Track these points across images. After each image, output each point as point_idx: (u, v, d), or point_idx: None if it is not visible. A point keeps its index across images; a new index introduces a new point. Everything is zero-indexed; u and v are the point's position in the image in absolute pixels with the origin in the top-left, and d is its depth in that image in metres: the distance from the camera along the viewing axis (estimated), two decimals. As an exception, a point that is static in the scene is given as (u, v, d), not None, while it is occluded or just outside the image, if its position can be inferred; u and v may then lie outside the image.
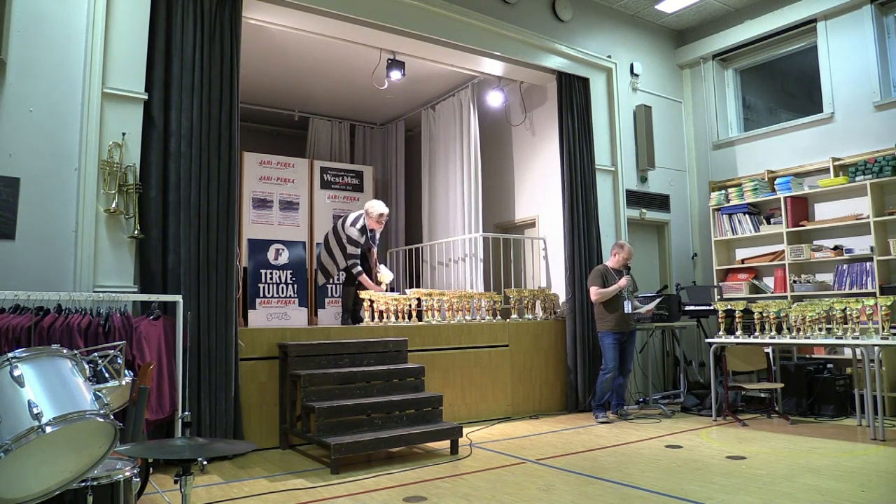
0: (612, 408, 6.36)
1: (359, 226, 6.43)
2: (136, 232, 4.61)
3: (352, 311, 6.42)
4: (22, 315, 3.93)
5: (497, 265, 7.55)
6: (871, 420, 5.20)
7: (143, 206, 4.68)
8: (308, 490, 3.95)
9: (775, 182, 7.25)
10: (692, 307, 7.14)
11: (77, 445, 2.17)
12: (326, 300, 7.57)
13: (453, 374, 6.20)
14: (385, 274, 6.67)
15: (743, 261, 7.64)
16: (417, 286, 8.31)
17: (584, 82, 7.46)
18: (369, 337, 5.68)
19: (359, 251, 6.46)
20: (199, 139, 4.89)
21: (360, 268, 6.42)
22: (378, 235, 6.78)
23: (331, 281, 7.00)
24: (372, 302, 6.17)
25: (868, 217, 6.41)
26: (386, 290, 6.61)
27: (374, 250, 6.76)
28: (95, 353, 2.98)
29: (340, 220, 6.68)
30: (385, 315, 6.19)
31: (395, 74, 6.73)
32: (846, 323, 5.35)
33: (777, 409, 6.38)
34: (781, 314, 5.75)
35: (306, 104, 8.97)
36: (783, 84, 8.27)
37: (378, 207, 6.49)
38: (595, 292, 6.27)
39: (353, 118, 9.64)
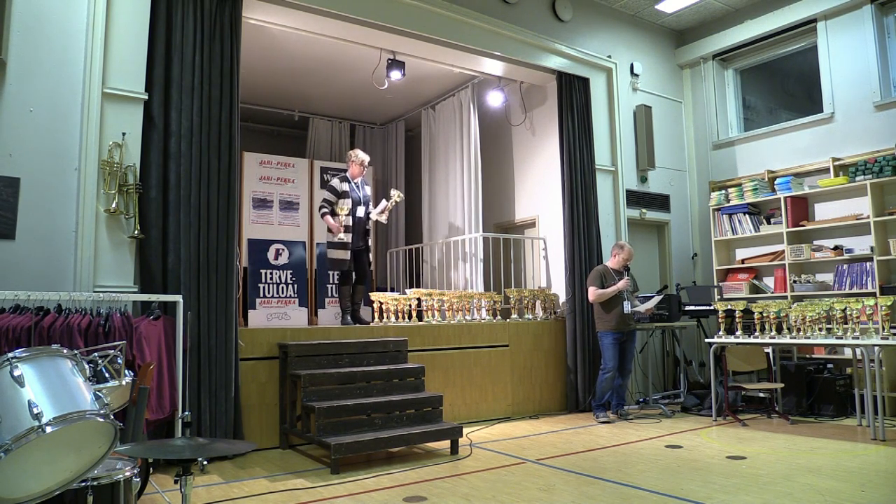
0: (612, 408, 6.36)
1: (339, 175, 6.48)
2: (136, 232, 4.61)
3: (351, 312, 6.40)
4: (22, 315, 3.93)
5: (497, 265, 7.55)
6: (871, 420, 5.20)
7: (143, 206, 4.68)
8: (308, 490, 3.95)
9: (775, 182, 7.25)
10: (692, 307, 7.14)
11: (77, 445, 2.17)
12: (326, 300, 7.56)
13: (453, 374, 6.20)
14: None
15: (743, 261, 7.64)
16: (417, 286, 8.31)
17: (584, 82, 7.46)
18: (369, 337, 5.68)
19: (333, 199, 6.32)
20: (199, 139, 4.89)
21: (326, 209, 6.27)
22: (369, 194, 6.61)
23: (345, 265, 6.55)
24: (381, 304, 6.17)
25: (868, 217, 6.41)
26: (385, 210, 6.53)
27: (369, 209, 6.56)
28: (95, 353, 2.98)
29: None
30: (385, 315, 6.19)
31: (395, 74, 6.73)
32: (846, 323, 5.35)
33: (777, 409, 6.38)
34: (781, 314, 5.75)
35: (306, 104, 8.96)
36: (783, 84, 8.26)
37: (360, 154, 6.49)
38: (593, 293, 6.27)
39: (353, 118, 9.63)
